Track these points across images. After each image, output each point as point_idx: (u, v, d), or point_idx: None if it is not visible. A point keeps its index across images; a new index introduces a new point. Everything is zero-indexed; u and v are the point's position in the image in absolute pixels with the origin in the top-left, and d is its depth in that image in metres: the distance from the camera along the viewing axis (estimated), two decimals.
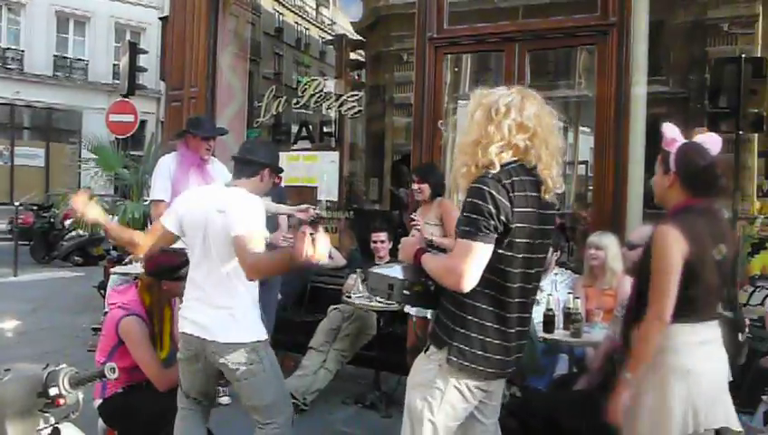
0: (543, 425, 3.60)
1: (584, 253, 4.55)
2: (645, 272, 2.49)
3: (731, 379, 3.53)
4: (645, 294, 2.45)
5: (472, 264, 2.07)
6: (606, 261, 4.27)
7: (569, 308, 4.02)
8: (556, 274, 4.68)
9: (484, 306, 2.16)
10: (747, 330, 3.02)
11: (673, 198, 2.54)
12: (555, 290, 4.51)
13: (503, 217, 2.08)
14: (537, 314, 4.17)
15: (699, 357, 2.44)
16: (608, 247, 4.27)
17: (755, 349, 4.07)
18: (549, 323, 4.03)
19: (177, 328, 3.06)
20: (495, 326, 2.18)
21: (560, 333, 4.03)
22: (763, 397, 3.93)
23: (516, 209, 2.10)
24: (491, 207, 2.07)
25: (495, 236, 2.09)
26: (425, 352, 2.31)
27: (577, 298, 4.10)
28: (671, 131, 2.56)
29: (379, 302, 4.31)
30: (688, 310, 2.42)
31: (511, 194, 2.10)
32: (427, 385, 2.24)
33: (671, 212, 2.54)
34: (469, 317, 2.18)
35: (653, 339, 2.41)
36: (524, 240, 2.14)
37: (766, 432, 3.70)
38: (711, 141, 2.53)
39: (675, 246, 2.38)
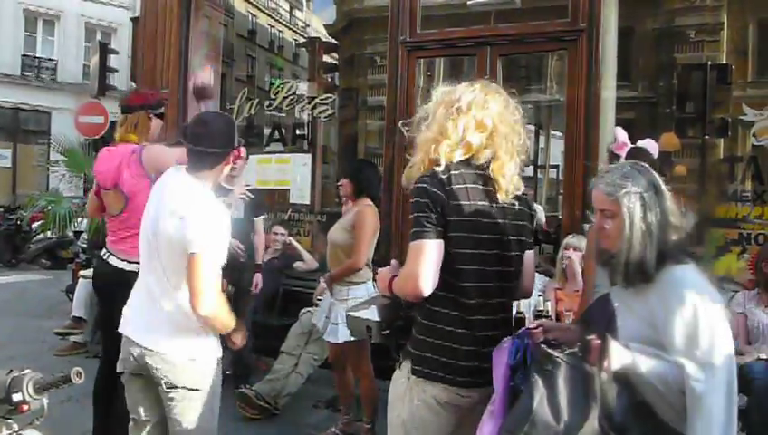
0: None
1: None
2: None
3: None
4: None
5: (424, 263, 2.02)
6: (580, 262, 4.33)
7: (539, 310, 4.06)
8: None
9: (439, 309, 2.09)
10: None
11: None
12: (529, 297, 4.54)
13: (439, 209, 2.03)
14: None
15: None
16: (583, 250, 4.32)
17: None
18: (519, 325, 4.06)
19: None
20: (456, 330, 2.09)
21: None
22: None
23: (454, 202, 2.04)
24: (427, 200, 2.03)
25: (440, 229, 2.03)
26: (399, 365, 2.24)
27: (547, 301, 4.14)
28: (623, 135, 2.66)
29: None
30: None
31: (447, 187, 2.05)
32: (400, 398, 2.18)
33: None
34: (426, 322, 2.12)
35: None
36: (470, 234, 2.07)
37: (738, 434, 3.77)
38: (651, 146, 2.65)
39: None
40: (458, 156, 2.10)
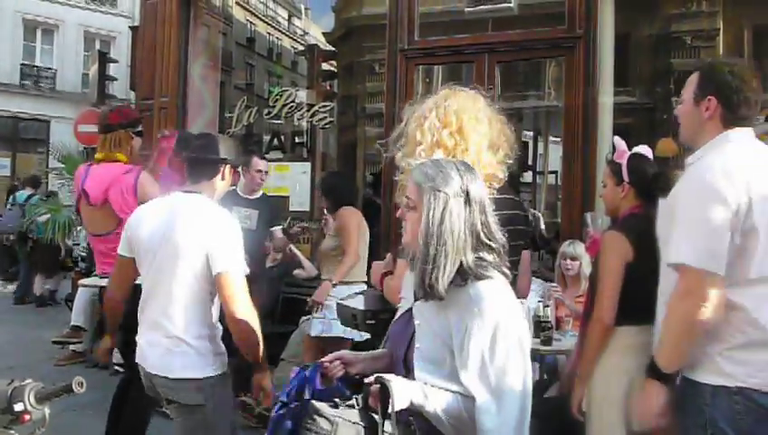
0: None
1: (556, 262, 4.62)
2: (595, 277, 2.59)
3: None
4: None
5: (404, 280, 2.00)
6: (581, 269, 4.35)
7: (539, 316, 4.06)
8: None
9: None
10: None
11: (625, 207, 2.64)
12: (525, 298, 4.54)
13: None
14: None
15: (641, 358, 2.48)
16: (582, 256, 4.35)
17: None
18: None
19: None
20: None
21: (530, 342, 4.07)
22: None
23: None
24: None
25: None
26: None
27: (547, 306, 4.15)
28: (622, 144, 2.70)
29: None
30: (633, 312, 2.48)
31: None
32: None
33: (620, 219, 2.64)
34: None
35: (595, 340, 2.50)
36: None
37: None
38: (646, 151, 2.69)
39: (617, 251, 2.48)
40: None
